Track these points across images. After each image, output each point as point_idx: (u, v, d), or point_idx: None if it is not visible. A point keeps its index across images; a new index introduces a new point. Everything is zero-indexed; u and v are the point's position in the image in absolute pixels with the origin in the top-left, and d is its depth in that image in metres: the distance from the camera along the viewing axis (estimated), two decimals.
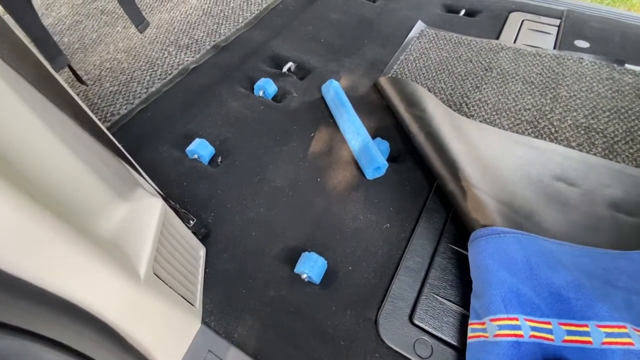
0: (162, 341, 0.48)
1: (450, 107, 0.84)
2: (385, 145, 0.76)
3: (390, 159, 0.76)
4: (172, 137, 0.79)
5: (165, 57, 0.97)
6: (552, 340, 0.42)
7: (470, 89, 0.88)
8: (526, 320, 0.44)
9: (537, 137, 0.75)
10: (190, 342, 0.52)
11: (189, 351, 0.52)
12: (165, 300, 0.44)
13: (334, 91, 0.84)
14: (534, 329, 0.43)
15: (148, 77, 0.91)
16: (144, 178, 0.50)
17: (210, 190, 0.71)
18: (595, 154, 0.72)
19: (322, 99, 0.88)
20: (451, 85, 0.89)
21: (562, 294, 0.45)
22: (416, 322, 0.53)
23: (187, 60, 0.96)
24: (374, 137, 0.78)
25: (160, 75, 0.92)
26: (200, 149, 0.74)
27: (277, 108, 0.86)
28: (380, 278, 0.58)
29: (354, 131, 0.76)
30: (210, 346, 0.53)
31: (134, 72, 0.93)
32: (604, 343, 0.42)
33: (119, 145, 0.46)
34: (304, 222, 0.66)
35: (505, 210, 0.61)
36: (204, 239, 0.63)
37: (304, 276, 0.59)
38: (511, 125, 0.78)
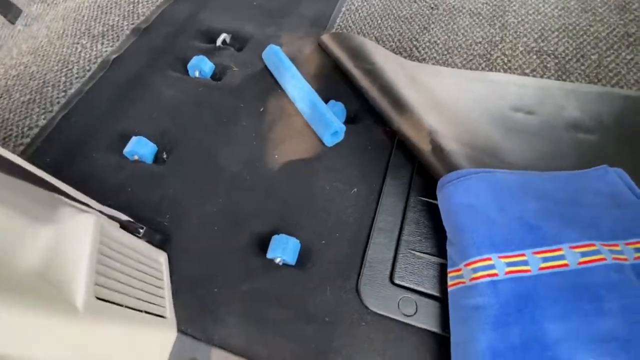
0: None
1: (401, 54, 0.80)
2: (339, 107, 0.71)
3: (348, 121, 0.71)
4: (105, 140, 0.71)
5: (80, 52, 0.85)
6: (529, 271, 0.42)
7: (419, 31, 0.83)
8: (500, 257, 0.43)
9: (491, 70, 0.73)
10: (168, 353, 0.49)
11: None
12: (123, 322, 0.40)
13: (275, 57, 0.77)
14: (509, 264, 0.43)
15: (64, 77, 0.80)
16: (68, 195, 0.44)
17: (160, 191, 0.65)
18: (549, 77, 0.70)
19: (267, 68, 0.81)
20: (399, 31, 0.84)
21: (532, 223, 0.44)
22: (397, 282, 0.52)
23: (106, 51, 0.85)
24: (327, 100, 0.73)
25: (77, 73, 0.80)
26: (140, 147, 0.67)
27: (217, 87, 0.78)
28: (356, 246, 0.56)
29: (304, 97, 0.71)
30: (191, 353, 0.50)
31: (45, 75, 0.81)
32: (580, 263, 0.42)
33: (28, 167, 0.39)
34: (268, 205, 0.62)
35: (468, 152, 0.59)
36: (163, 244, 0.58)
37: (278, 260, 0.56)
38: (464, 62, 0.75)
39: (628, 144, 0.59)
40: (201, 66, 0.79)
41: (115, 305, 0.39)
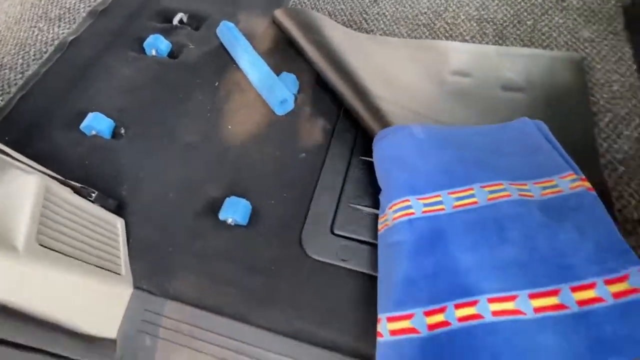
0: (89, 312, 0.48)
1: (352, 27, 0.83)
2: (291, 78, 0.74)
3: (301, 92, 0.75)
4: (63, 119, 0.73)
5: (37, 35, 0.86)
6: (443, 209, 0.46)
7: (368, 4, 0.86)
8: (417, 199, 0.47)
9: (434, 38, 0.77)
10: (125, 307, 0.53)
11: (126, 314, 0.53)
12: (70, 271, 0.43)
13: (229, 33, 0.79)
14: (425, 205, 0.47)
15: (21, 60, 0.81)
16: (15, 159, 0.47)
17: (118, 163, 0.67)
18: (487, 43, 0.74)
19: (222, 45, 0.83)
20: (350, 5, 0.87)
21: (449, 168, 0.49)
22: (337, 232, 0.56)
23: (63, 34, 0.86)
24: (279, 73, 0.75)
25: (34, 55, 0.82)
26: (96, 123, 0.69)
27: (174, 64, 0.80)
28: (301, 204, 0.60)
29: (256, 70, 0.73)
30: (146, 305, 0.53)
31: (2, 58, 0.82)
32: (489, 199, 0.46)
33: None
34: (222, 172, 0.66)
35: (408, 114, 0.63)
36: (119, 211, 0.61)
37: (230, 221, 0.59)
38: (409, 32, 0.79)
39: (554, 99, 0.64)
40: (157, 44, 0.81)
41: (61, 255, 0.42)
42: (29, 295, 0.39)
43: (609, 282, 0.41)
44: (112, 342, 0.51)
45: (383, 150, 0.53)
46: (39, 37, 0.85)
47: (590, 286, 0.41)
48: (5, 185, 0.42)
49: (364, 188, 0.60)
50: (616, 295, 0.40)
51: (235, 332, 0.50)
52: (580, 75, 0.65)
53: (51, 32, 0.86)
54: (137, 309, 0.53)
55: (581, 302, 0.40)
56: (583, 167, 0.52)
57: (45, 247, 0.40)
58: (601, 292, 0.40)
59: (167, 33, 0.85)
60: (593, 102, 0.62)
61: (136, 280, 0.56)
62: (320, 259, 0.54)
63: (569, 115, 0.61)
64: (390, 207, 0.48)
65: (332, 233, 0.56)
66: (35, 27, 0.88)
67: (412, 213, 0.46)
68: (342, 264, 0.53)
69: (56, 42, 0.84)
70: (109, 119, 0.71)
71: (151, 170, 0.66)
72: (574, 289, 0.40)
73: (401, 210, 0.47)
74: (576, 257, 0.42)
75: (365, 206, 0.57)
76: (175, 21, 0.87)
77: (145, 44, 0.81)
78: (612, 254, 0.42)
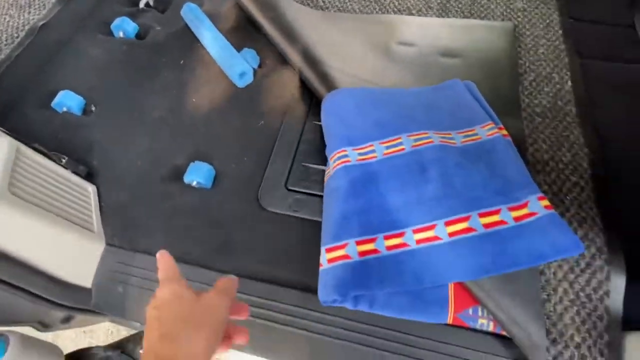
0: (65, 261, 0.54)
1: (309, 5, 0.88)
2: (251, 53, 0.80)
3: (260, 66, 0.80)
4: (35, 100, 0.77)
5: (8, 22, 0.89)
6: (375, 157, 0.53)
7: None
8: (353, 149, 0.53)
9: (383, 13, 0.82)
10: (98, 261, 0.58)
11: (99, 267, 0.58)
12: (42, 221, 0.48)
13: (192, 14, 0.84)
14: (360, 154, 0.53)
15: None
16: None
17: (89, 138, 0.72)
18: (431, 16, 0.80)
19: (187, 26, 0.87)
20: None
21: (381, 121, 0.55)
22: (290, 188, 0.62)
23: (33, 19, 0.89)
24: (240, 50, 0.80)
25: (6, 40, 0.85)
26: (67, 100, 0.73)
27: (141, 45, 0.85)
28: (259, 165, 0.66)
29: (218, 47, 0.78)
30: (117, 258, 0.59)
31: None
32: (413, 146, 0.53)
33: None
34: (188, 141, 0.71)
35: (357, 81, 0.69)
36: (89, 178, 0.66)
37: (194, 183, 0.65)
38: (361, 8, 0.84)
39: (486, 64, 0.70)
40: (124, 26, 0.85)
41: (33, 205, 0.47)
42: (6, 238, 0.44)
43: (511, 209, 0.48)
44: (88, 290, 0.57)
45: (327, 110, 0.59)
46: (10, 23, 0.88)
47: (496, 212, 0.47)
48: None
49: (315, 149, 0.65)
50: (517, 218, 0.47)
51: (199, 276, 0.56)
52: (511, 42, 0.72)
53: (22, 18, 0.89)
54: (109, 262, 0.59)
55: (487, 225, 0.47)
56: (506, 118, 0.59)
57: (18, 197, 0.45)
58: (504, 216, 0.47)
59: (134, 16, 0.89)
60: (520, 64, 0.68)
61: (108, 238, 0.61)
62: (275, 211, 0.60)
63: (498, 77, 0.67)
64: (331, 158, 0.54)
65: (287, 189, 0.62)
66: (6, 14, 0.91)
67: (348, 161, 0.53)
68: (294, 214, 0.59)
69: (27, 28, 0.87)
70: (79, 97, 0.75)
71: (120, 142, 0.71)
72: (482, 215, 0.47)
73: (339, 159, 0.53)
74: (486, 190, 0.49)
75: (316, 164, 0.63)
76: (142, 4, 0.91)
77: (112, 26, 0.85)
78: (517, 186, 0.49)
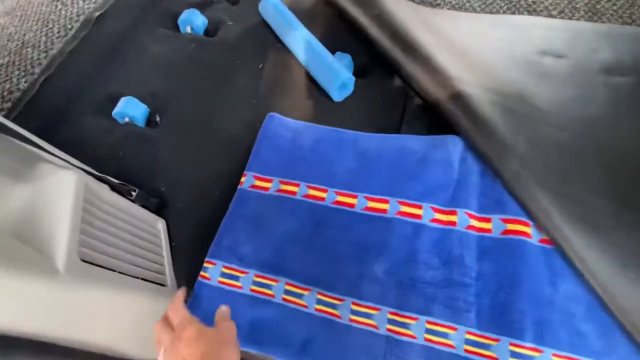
0: (135, 334, 0.41)
1: (415, 0, 0.72)
2: (347, 58, 0.65)
3: (355, 75, 0.65)
4: (92, 103, 0.65)
5: (60, 10, 0.78)
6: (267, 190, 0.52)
7: None
8: (254, 176, 0.54)
9: (513, 13, 0.66)
10: None
11: None
12: (114, 288, 0.36)
13: (273, 8, 0.70)
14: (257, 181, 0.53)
15: (44, 37, 0.73)
16: (49, 152, 0.39)
17: (155, 155, 0.60)
18: (578, 19, 0.63)
19: (265, 22, 0.73)
20: None
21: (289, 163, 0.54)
22: None
23: (89, 8, 0.77)
24: (332, 53, 0.66)
25: (58, 32, 0.74)
26: (130, 109, 0.61)
27: (212, 43, 0.71)
28: None
29: (308, 49, 0.64)
30: None
31: (24, 35, 0.74)
32: (304, 196, 0.51)
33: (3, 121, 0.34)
34: None
35: (493, 97, 0.54)
36: (160, 210, 0.54)
37: None
38: (483, 6, 0.68)
39: None
40: (193, 20, 0.72)
41: (104, 269, 0.34)
42: (69, 317, 0.31)
43: None
44: None
45: (265, 129, 0.58)
46: (63, 12, 0.77)
47: None
48: (38, 184, 0.34)
49: None
50: None
51: None
52: None
53: (75, 6, 0.78)
54: None
55: None
56: None
57: (88, 262, 0.32)
58: None
59: (202, 7, 0.76)
60: None
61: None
62: None
63: None
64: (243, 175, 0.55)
65: None
66: (58, 1, 0.80)
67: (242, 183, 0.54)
68: None
69: (81, 18, 0.76)
70: (143, 105, 0.63)
71: (192, 163, 0.59)
72: None
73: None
74: None
75: None
76: None
77: (179, 20, 0.72)
78: None
